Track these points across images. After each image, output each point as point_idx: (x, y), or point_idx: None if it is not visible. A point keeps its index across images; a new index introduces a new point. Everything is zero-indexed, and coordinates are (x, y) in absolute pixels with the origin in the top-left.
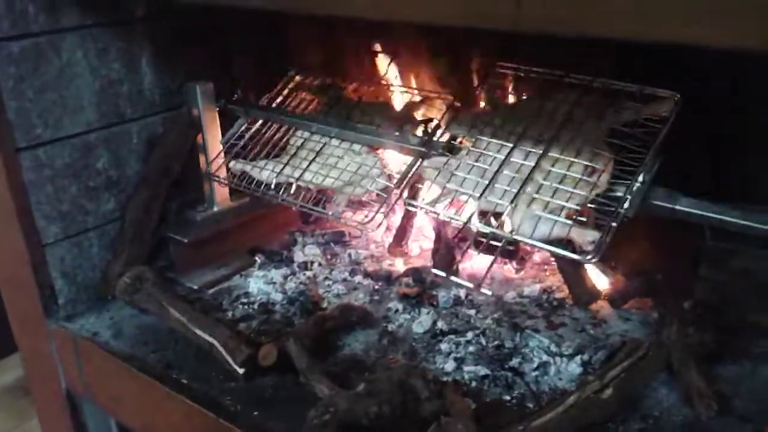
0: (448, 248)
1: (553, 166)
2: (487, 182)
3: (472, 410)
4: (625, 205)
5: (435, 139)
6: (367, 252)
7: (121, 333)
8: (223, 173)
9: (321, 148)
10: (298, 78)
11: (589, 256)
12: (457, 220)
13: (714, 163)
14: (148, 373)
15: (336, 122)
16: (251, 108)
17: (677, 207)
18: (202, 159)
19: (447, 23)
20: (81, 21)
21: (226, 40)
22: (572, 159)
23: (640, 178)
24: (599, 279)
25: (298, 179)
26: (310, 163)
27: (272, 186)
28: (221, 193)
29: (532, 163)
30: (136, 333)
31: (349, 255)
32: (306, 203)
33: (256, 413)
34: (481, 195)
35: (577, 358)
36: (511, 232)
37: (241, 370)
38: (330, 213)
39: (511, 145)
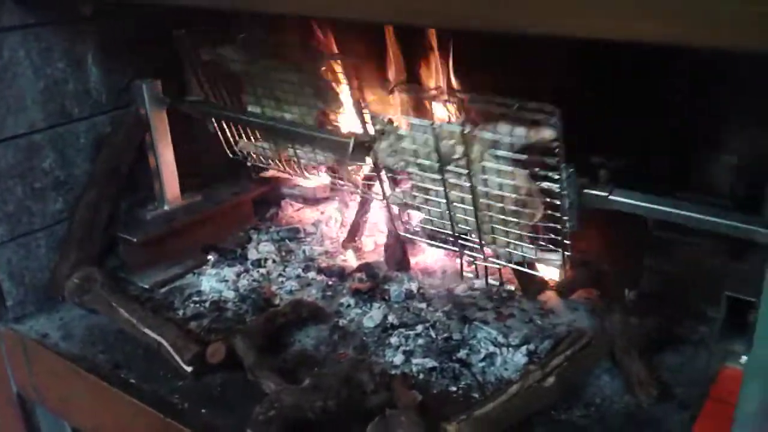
0: (399, 243)
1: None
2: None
3: (417, 402)
4: (567, 225)
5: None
6: (321, 248)
7: (70, 334)
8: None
9: None
10: None
11: (557, 277)
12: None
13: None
14: (96, 374)
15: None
16: (202, 106)
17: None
18: (151, 158)
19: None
20: (22, 20)
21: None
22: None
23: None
24: (548, 270)
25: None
26: None
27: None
28: (172, 192)
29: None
30: (85, 334)
31: (304, 251)
32: None
33: (203, 411)
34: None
35: (523, 348)
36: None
37: (189, 368)
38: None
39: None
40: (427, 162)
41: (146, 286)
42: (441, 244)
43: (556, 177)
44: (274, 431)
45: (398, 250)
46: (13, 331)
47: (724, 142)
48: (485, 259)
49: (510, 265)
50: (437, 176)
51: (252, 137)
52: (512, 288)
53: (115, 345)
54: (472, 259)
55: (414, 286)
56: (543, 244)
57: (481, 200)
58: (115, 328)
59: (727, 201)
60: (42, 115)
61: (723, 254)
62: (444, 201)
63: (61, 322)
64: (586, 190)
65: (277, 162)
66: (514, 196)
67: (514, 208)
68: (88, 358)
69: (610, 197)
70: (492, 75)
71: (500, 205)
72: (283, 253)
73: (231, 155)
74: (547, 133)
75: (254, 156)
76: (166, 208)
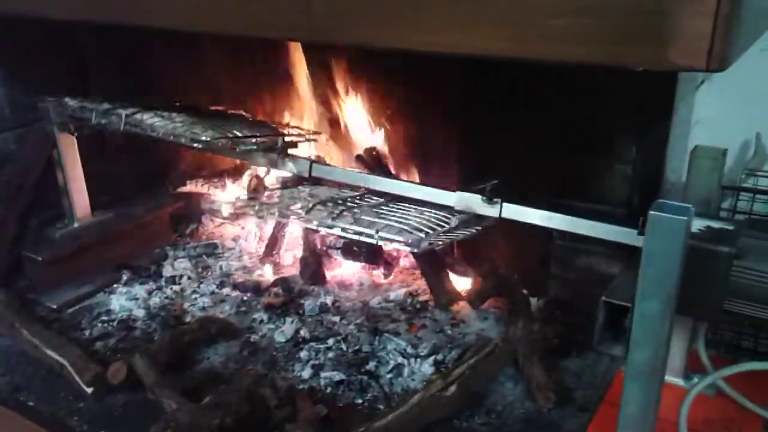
0: (315, 257)
1: None
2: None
3: (320, 416)
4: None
5: None
6: (239, 263)
7: None
8: None
9: None
10: None
11: (414, 249)
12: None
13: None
14: None
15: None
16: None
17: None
18: (59, 174)
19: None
20: None
21: (80, 52)
22: None
23: None
24: (460, 281)
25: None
26: None
27: None
28: (81, 208)
29: None
30: None
31: (221, 267)
32: None
33: None
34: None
35: (431, 359)
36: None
37: (89, 389)
38: None
39: None
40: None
41: (54, 306)
42: None
43: None
44: None
45: (313, 263)
46: None
47: (618, 153)
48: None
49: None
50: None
51: None
52: (426, 299)
53: (16, 367)
54: None
55: (329, 300)
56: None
57: None
58: (18, 350)
59: (623, 210)
60: None
61: (621, 260)
62: None
63: None
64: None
65: None
66: None
67: None
68: None
69: (505, 205)
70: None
71: None
72: (200, 269)
73: None
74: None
75: None
76: (75, 225)
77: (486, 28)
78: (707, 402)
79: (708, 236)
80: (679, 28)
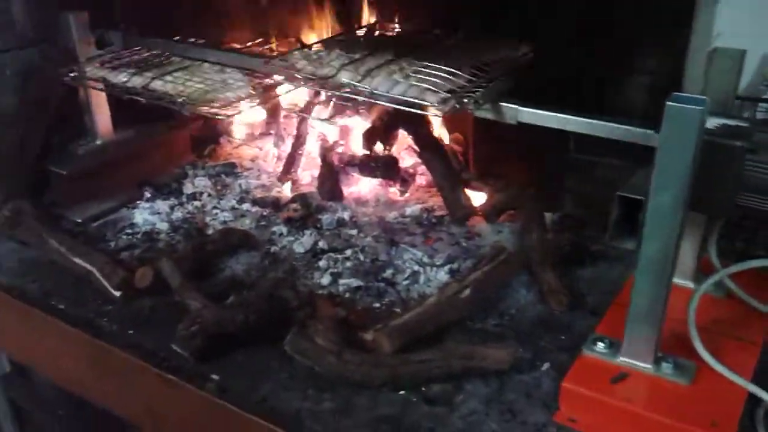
0: (332, 173)
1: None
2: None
3: (340, 316)
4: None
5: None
6: (257, 182)
7: (0, 266)
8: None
9: (189, 66)
10: None
11: (437, 110)
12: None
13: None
14: (27, 301)
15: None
16: (129, 38)
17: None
18: (81, 90)
19: None
20: None
21: None
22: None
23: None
24: (475, 196)
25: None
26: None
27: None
28: (104, 126)
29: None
30: (16, 265)
31: (240, 185)
32: None
33: (131, 332)
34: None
35: (446, 267)
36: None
37: (117, 293)
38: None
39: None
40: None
41: (79, 220)
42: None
43: None
44: (198, 344)
45: (331, 180)
46: None
47: (636, 64)
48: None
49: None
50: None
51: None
52: (442, 214)
53: (46, 275)
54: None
55: (346, 215)
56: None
57: None
58: (46, 260)
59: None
60: None
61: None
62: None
63: None
64: (501, 102)
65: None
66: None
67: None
68: (18, 287)
69: (521, 108)
70: None
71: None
72: (219, 188)
73: None
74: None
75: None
76: (98, 142)
77: None
78: (716, 303)
79: (722, 132)
80: None
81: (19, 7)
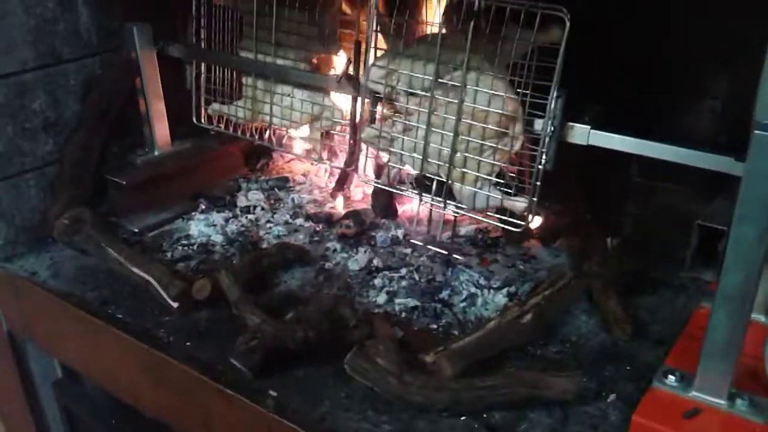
0: (387, 191)
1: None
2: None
3: (397, 336)
4: (543, 161)
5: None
6: (310, 197)
7: (59, 273)
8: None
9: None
10: None
11: (522, 223)
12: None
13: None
14: (85, 310)
15: (275, 66)
16: (192, 50)
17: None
18: (141, 102)
19: None
20: None
21: None
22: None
23: (550, 128)
24: (532, 218)
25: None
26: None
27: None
28: (162, 137)
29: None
30: (74, 273)
31: (293, 199)
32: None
33: (188, 343)
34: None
35: (504, 290)
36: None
37: (175, 304)
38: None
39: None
40: (420, 76)
41: (135, 230)
42: (401, 189)
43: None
44: (257, 360)
45: (385, 197)
46: (3, 270)
47: (704, 86)
48: (445, 207)
49: (471, 213)
50: (425, 94)
51: (230, 97)
52: (497, 236)
53: (103, 283)
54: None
55: (400, 233)
56: (511, 187)
57: (463, 119)
58: (104, 268)
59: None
60: (32, 54)
61: (700, 200)
62: (424, 127)
63: (51, 261)
64: (570, 123)
65: (246, 129)
66: (499, 112)
67: (495, 128)
68: (76, 295)
69: (592, 131)
70: None
71: (482, 125)
72: (272, 201)
73: (195, 120)
74: (556, 34)
75: (223, 122)
76: (156, 153)
77: None
78: None
79: None
80: None
81: (86, 18)
